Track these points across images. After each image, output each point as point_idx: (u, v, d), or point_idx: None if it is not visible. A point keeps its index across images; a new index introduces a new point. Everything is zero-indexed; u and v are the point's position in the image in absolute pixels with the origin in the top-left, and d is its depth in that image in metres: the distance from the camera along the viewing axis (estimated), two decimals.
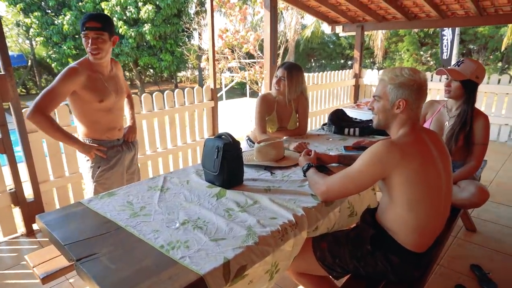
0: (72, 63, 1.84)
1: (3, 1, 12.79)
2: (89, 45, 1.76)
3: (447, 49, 10.53)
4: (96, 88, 1.85)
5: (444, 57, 10.61)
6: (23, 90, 16.17)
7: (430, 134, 1.40)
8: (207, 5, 3.78)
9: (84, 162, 1.97)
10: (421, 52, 14.39)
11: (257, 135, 2.38)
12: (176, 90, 3.65)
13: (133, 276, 0.99)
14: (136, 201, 1.44)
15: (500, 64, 14.69)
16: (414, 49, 14.20)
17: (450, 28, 9.87)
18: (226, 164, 1.50)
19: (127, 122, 2.29)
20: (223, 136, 1.58)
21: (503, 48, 12.52)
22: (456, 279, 2.10)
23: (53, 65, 14.35)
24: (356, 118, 2.59)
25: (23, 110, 2.53)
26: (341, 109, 2.63)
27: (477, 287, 2.06)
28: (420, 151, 1.28)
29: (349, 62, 17.47)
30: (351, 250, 1.38)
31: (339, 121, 2.48)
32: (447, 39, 10.42)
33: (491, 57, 13.74)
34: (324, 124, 2.63)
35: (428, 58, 14.40)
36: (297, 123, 2.56)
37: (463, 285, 2.02)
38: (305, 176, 1.59)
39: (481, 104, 5.29)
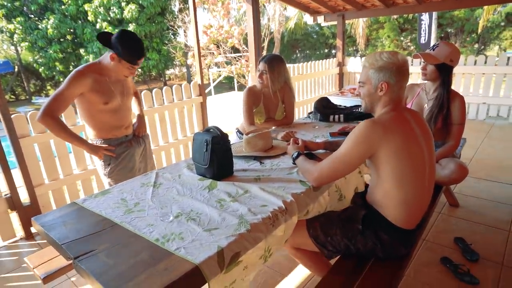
0: (79, 67, 1.83)
1: None
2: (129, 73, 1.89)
3: (425, 33, 10.61)
4: (102, 90, 1.85)
5: (423, 41, 10.69)
6: (12, 96, 15.79)
7: (412, 113, 1.42)
8: (190, 2, 3.73)
9: (97, 160, 2.00)
10: (401, 38, 14.48)
11: (246, 127, 2.38)
12: (164, 88, 3.62)
13: (130, 270, 0.99)
14: (130, 197, 1.44)
15: (476, 45, 14.87)
16: (394, 35, 14.28)
17: (428, 13, 9.93)
18: (215, 157, 1.50)
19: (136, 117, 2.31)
20: (211, 130, 1.58)
21: (479, 30, 12.67)
22: (441, 253, 2.16)
23: (40, 69, 14.04)
24: (340, 105, 2.61)
25: (28, 114, 2.54)
26: (326, 97, 2.65)
27: (461, 258, 2.12)
28: (401, 127, 1.30)
29: (333, 51, 17.47)
30: (343, 229, 1.41)
31: (324, 108, 2.50)
32: (425, 24, 10.49)
33: (468, 39, 13.90)
34: (310, 113, 2.64)
35: (409, 43, 14.49)
36: (284, 113, 2.57)
37: (448, 257, 2.08)
38: (294, 163, 1.61)
39: (459, 85, 5.37)
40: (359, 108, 2.46)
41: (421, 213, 1.42)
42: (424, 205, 1.43)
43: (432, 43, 10.47)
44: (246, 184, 1.48)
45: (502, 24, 13.47)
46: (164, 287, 0.92)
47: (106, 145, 1.96)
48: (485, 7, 11.45)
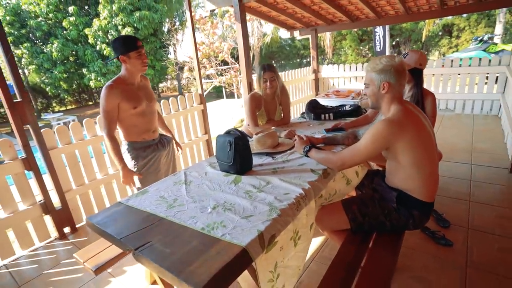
0: (108, 82, 1.79)
1: None
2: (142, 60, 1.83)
3: (380, 43, 10.88)
4: (131, 97, 1.84)
5: (378, 49, 10.96)
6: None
7: (411, 104, 1.46)
8: (188, 23, 3.69)
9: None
10: (361, 47, 14.80)
11: (251, 128, 2.38)
12: (171, 99, 3.56)
13: (187, 256, 0.99)
14: (168, 195, 1.42)
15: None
16: (355, 45, 14.59)
17: (381, 26, 10.20)
18: (238, 155, 1.51)
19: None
20: (231, 132, 1.58)
21: (423, 39, 13.15)
22: None
23: (47, 89, 13.48)
24: (327, 105, 2.66)
25: (55, 128, 2.46)
26: (315, 99, 2.69)
27: (436, 226, 2.21)
28: (412, 121, 1.34)
29: (304, 60, 17.64)
30: (379, 208, 1.44)
31: (314, 109, 2.53)
32: (379, 35, 10.77)
33: (414, 46, 14.35)
34: (303, 113, 2.67)
35: (367, 52, 14.82)
36: (282, 114, 2.58)
37: (426, 226, 2.16)
38: (307, 156, 1.63)
39: None
40: (345, 107, 2.51)
41: (437, 186, 1.45)
42: (437, 179, 1.46)
43: (387, 51, 10.79)
44: (267, 177, 1.49)
45: (440, 33, 14.01)
46: (220, 268, 0.92)
47: (137, 173, 1.94)
48: (427, 20, 11.91)
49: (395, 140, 1.30)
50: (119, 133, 2.00)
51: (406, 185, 1.40)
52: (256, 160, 1.75)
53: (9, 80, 2.23)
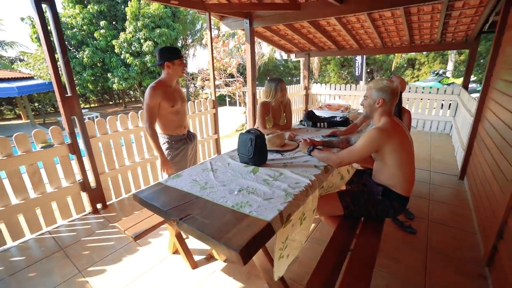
0: (152, 83, 1.82)
1: (34, 42, 11.41)
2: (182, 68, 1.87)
3: (359, 69, 11.13)
4: (169, 97, 1.87)
5: (357, 74, 11.20)
6: (52, 108, 14.71)
7: (397, 119, 1.53)
8: (207, 41, 3.72)
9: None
10: (342, 71, 15.05)
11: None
12: (189, 102, 3.58)
13: (224, 226, 1.03)
14: (199, 179, 1.46)
15: None
16: (337, 69, 14.84)
17: (361, 55, 10.44)
18: (257, 149, 1.55)
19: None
20: (251, 131, 1.62)
21: (392, 69, 13.51)
22: None
23: (76, 88, 13.15)
24: (321, 116, 2.74)
25: (96, 120, 2.41)
26: (311, 110, 2.76)
27: (403, 217, 2.29)
28: (397, 131, 1.41)
29: (294, 79, 17.79)
30: (368, 200, 1.51)
31: (312, 118, 2.61)
32: (358, 62, 11.01)
33: (384, 75, 14.71)
34: (301, 121, 2.74)
35: (347, 75, 15.09)
36: (285, 120, 2.64)
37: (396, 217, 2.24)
38: (310, 155, 1.69)
39: None
40: (336, 118, 2.58)
41: (413, 184, 1.52)
42: (414, 179, 1.52)
43: (363, 76, 11.05)
44: (280, 169, 1.54)
45: (405, 65, 14.43)
46: (252, 237, 0.97)
47: (170, 165, 1.94)
48: (396, 54, 12.28)
49: (383, 145, 1.37)
50: (157, 127, 2.01)
51: (390, 182, 1.48)
52: (268, 156, 1.79)
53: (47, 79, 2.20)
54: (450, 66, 11.77)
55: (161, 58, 1.82)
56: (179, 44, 15.83)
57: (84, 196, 2.50)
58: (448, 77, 9.81)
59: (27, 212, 2.12)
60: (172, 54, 1.82)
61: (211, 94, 4.03)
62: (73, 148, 2.26)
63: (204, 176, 1.50)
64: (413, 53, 13.80)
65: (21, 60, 14.98)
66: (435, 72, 10.03)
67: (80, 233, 2.23)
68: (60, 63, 2.15)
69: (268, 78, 2.37)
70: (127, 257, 1.92)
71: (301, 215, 1.30)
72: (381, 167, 1.50)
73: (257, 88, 4.56)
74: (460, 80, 8.66)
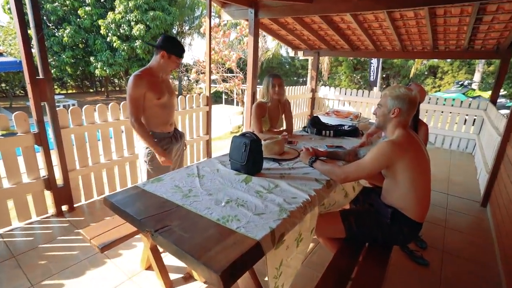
0: (136, 72, 1.81)
1: (7, 13, 11.40)
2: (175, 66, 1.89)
3: (373, 73, 11.26)
4: (156, 88, 1.86)
5: (371, 79, 11.33)
6: (22, 91, 14.62)
7: (414, 132, 1.53)
8: (206, 29, 3.73)
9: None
10: (354, 75, 15.21)
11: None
12: (180, 97, 3.56)
13: (205, 242, 1.00)
14: (182, 185, 1.43)
15: None
16: (349, 72, 14.99)
17: (377, 58, 10.57)
18: (252, 156, 1.54)
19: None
20: (247, 135, 1.61)
21: (411, 75, 13.68)
22: None
23: (52, 71, 13.11)
24: (327, 123, 2.73)
25: (70, 109, 2.36)
26: (317, 116, 2.76)
27: (414, 246, 2.27)
28: (412, 145, 1.40)
29: (301, 79, 17.93)
30: (374, 222, 1.48)
31: (316, 125, 2.60)
32: (374, 66, 11.14)
33: (402, 81, 14.90)
34: (304, 127, 2.73)
35: (360, 80, 15.24)
36: (284, 124, 2.64)
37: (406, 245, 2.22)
38: (311, 167, 1.67)
39: None
40: (344, 127, 2.59)
41: (428, 209, 1.50)
42: (429, 202, 1.50)
43: (378, 81, 11.16)
44: (275, 180, 1.52)
45: (426, 73, 14.63)
46: (237, 257, 0.94)
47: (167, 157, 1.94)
48: (416, 59, 12.46)
49: (396, 160, 1.36)
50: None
51: (401, 204, 1.46)
52: (263, 164, 1.78)
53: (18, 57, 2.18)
54: (477, 77, 11.93)
55: (161, 44, 1.82)
56: (174, 31, 15.94)
57: (48, 195, 2.46)
58: (474, 89, 9.96)
59: None
60: (174, 48, 1.84)
61: (205, 89, 4.03)
62: (40, 139, 2.23)
63: (188, 182, 1.47)
64: (436, 60, 14.02)
65: None
66: (460, 83, 10.19)
67: (38, 239, 2.17)
68: (34, 40, 2.12)
69: (273, 73, 2.38)
70: (91, 271, 1.87)
71: (298, 236, 1.28)
72: (391, 186, 1.48)
73: (258, 86, 4.56)
74: (487, 94, 8.78)
